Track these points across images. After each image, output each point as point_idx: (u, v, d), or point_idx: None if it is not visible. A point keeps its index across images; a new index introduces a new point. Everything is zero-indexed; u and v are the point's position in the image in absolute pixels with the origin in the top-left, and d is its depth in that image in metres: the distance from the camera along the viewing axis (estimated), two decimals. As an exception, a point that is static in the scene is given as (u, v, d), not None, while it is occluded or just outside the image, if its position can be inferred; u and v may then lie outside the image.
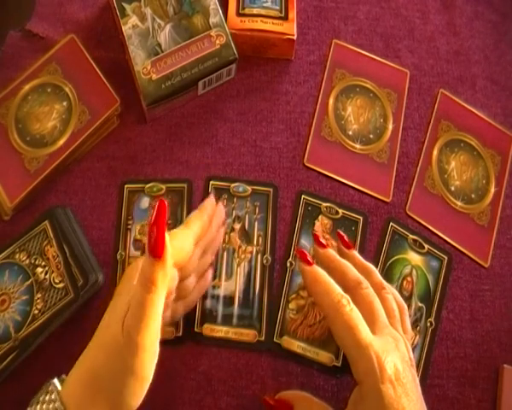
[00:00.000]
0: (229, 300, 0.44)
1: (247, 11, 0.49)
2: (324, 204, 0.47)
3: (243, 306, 0.44)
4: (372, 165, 0.49)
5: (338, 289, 0.35)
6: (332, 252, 0.38)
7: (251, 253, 0.45)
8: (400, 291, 0.45)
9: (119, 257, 0.45)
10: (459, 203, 0.49)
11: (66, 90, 0.47)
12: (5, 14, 0.52)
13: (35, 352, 0.41)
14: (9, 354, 0.39)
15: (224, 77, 0.49)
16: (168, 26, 0.47)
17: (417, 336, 0.44)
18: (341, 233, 0.41)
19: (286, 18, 0.49)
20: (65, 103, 0.47)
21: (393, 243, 0.47)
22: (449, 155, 0.51)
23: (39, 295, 0.40)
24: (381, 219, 0.48)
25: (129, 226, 0.45)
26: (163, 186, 0.47)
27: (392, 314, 0.36)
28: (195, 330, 0.43)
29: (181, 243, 0.35)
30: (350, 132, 0.50)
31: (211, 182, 0.47)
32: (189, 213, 0.45)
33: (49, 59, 0.48)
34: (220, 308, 0.43)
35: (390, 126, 0.51)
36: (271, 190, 0.47)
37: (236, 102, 0.50)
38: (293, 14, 0.49)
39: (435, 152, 0.50)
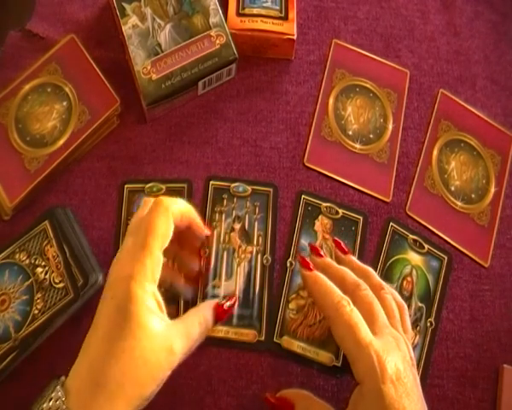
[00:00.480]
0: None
1: (247, 11, 0.49)
2: (324, 204, 0.47)
3: (243, 306, 0.44)
4: (372, 165, 0.49)
5: (338, 291, 0.35)
6: (329, 260, 0.39)
7: (251, 253, 0.45)
8: (400, 291, 0.45)
9: (119, 257, 0.45)
10: (459, 203, 0.49)
11: (66, 90, 0.47)
12: (5, 14, 0.52)
13: (35, 352, 0.41)
14: (9, 354, 0.39)
15: (224, 77, 0.49)
16: (168, 26, 0.47)
17: (417, 336, 0.44)
18: (337, 239, 0.42)
19: (286, 18, 0.49)
20: (65, 103, 0.47)
21: (393, 243, 0.47)
22: (449, 154, 0.51)
23: (39, 295, 0.40)
24: (381, 219, 0.48)
25: (129, 226, 0.45)
26: (163, 186, 0.47)
27: (392, 314, 0.36)
28: (195, 330, 0.43)
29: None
30: (350, 132, 0.50)
31: (211, 182, 0.47)
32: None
33: (49, 59, 0.48)
34: (220, 308, 0.44)
35: (390, 126, 0.51)
36: (271, 190, 0.47)
37: (236, 102, 0.50)
38: (293, 14, 0.49)
39: (435, 152, 0.50)
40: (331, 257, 0.44)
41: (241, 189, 0.47)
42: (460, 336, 0.45)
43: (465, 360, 0.45)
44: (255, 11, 0.49)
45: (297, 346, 0.43)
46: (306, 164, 0.49)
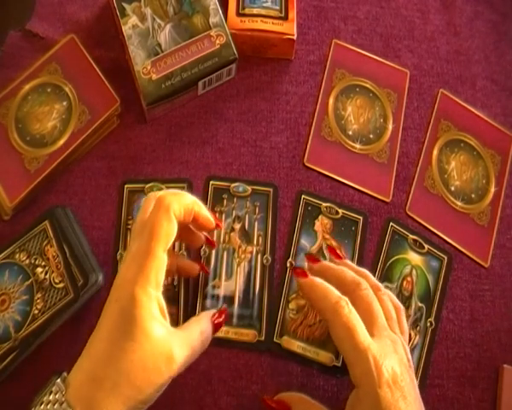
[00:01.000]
0: (229, 300, 0.44)
1: (247, 11, 0.49)
2: (324, 204, 0.47)
3: (243, 306, 0.44)
4: (372, 165, 0.49)
5: (336, 292, 0.35)
6: (326, 262, 0.40)
7: (251, 253, 0.45)
8: (400, 291, 0.45)
9: (119, 257, 0.45)
10: (459, 203, 0.49)
11: (66, 90, 0.47)
12: (5, 14, 0.52)
13: (35, 352, 0.41)
14: (9, 354, 0.39)
15: (224, 77, 0.49)
16: (168, 26, 0.47)
17: (417, 336, 0.44)
18: (331, 247, 0.44)
19: (286, 18, 0.49)
20: (65, 103, 0.47)
21: (393, 243, 0.47)
22: (449, 154, 0.51)
23: (39, 295, 0.40)
24: (381, 219, 0.48)
25: (129, 226, 0.45)
26: (163, 186, 0.47)
27: (389, 315, 0.36)
28: (195, 330, 0.43)
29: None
30: (350, 132, 0.50)
31: (211, 182, 0.47)
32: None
33: (49, 59, 0.48)
34: (220, 308, 0.44)
35: (390, 126, 0.51)
36: (271, 189, 0.47)
37: (236, 102, 0.50)
38: (293, 14, 0.49)
39: (435, 152, 0.50)
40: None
41: (241, 189, 0.47)
42: (460, 336, 0.45)
43: (465, 360, 0.45)
44: (255, 11, 0.49)
45: (297, 346, 0.43)
46: (306, 164, 0.49)
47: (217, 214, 0.46)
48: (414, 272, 0.46)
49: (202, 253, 0.45)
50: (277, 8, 0.50)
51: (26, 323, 0.40)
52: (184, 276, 0.44)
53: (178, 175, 0.47)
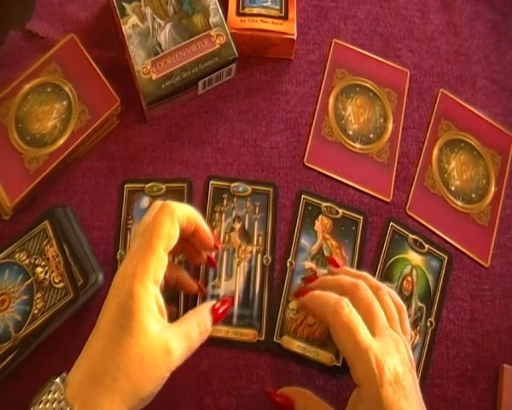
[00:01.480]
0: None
1: (247, 11, 0.49)
2: (324, 204, 0.47)
3: (243, 306, 0.44)
4: (372, 165, 0.49)
5: (335, 295, 0.36)
6: (323, 277, 0.41)
7: (251, 253, 0.45)
8: (400, 291, 0.45)
9: (118, 257, 0.45)
10: (459, 203, 0.49)
11: (66, 89, 0.47)
12: (5, 14, 0.52)
13: (35, 352, 0.41)
14: (9, 354, 0.39)
15: (224, 77, 0.49)
16: (168, 26, 0.47)
17: (417, 336, 0.44)
18: (330, 257, 0.45)
19: (286, 17, 0.49)
20: (65, 103, 0.47)
21: (393, 242, 0.47)
22: (449, 154, 0.51)
23: (39, 295, 0.40)
24: (381, 219, 0.48)
25: (129, 226, 0.45)
26: (163, 186, 0.47)
27: (391, 315, 0.36)
28: (195, 329, 0.43)
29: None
30: (350, 132, 0.50)
31: (211, 182, 0.47)
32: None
33: (49, 59, 0.48)
34: (220, 308, 0.43)
35: (390, 126, 0.51)
36: (271, 189, 0.47)
37: (236, 102, 0.50)
38: (293, 14, 0.49)
39: (435, 152, 0.50)
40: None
41: (241, 189, 0.47)
42: (460, 336, 0.45)
43: (465, 360, 0.45)
44: (255, 11, 0.49)
45: (297, 346, 0.43)
46: (306, 164, 0.49)
47: (217, 215, 0.46)
48: (414, 271, 0.46)
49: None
50: (277, 7, 0.50)
51: (26, 323, 0.40)
52: (182, 290, 0.43)
53: (178, 175, 0.47)
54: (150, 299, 0.31)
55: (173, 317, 0.40)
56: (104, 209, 0.46)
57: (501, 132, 0.52)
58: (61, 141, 0.45)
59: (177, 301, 0.44)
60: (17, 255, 0.42)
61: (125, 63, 0.48)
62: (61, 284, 0.41)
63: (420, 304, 0.45)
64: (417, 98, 0.52)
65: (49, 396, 0.30)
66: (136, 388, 0.30)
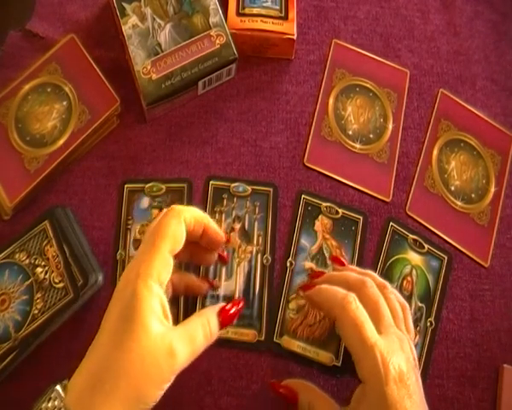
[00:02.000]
0: (229, 300, 0.44)
1: (247, 11, 0.49)
2: (324, 204, 0.47)
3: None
4: (372, 165, 0.49)
5: (343, 290, 0.35)
6: (329, 272, 0.41)
7: (251, 253, 0.45)
8: (400, 291, 0.45)
9: (118, 257, 0.45)
10: (459, 203, 0.49)
11: (66, 89, 0.47)
12: (5, 14, 0.52)
13: (35, 352, 0.41)
14: (9, 354, 0.39)
15: (224, 77, 0.49)
16: (168, 26, 0.47)
17: (417, 336, 0.44)
18: (334, 255, 0.45)
19: (286, 18, 0.49)
20: (65, 103, 0.47)
21: (393, 242, 0.47)
22: (449, 154, 0.51)
23: (39, 295, 0.40)
24: (381, 219, 0.48)
25: (129, 226, 0.45)
26: (163, 186, 0.47)
27: (396, 313, 0.36)
28: (195, 330, 0.43)
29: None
30: (350, 132, 0.50)
31: (211, 182, 0.47)
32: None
33: (49, 59, 0.48)
34: (220, 308, 0.43)
35: (390, 126, 0.51)
36: (271, 189, 0.47)
37: (236, 102, 0.50)
38: (293, 14, 0.49)
39: (435, 152, 0.50)
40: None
41: (241, 189, 0.47)
42: (460, 336, 0.45)
43: (465, 360, 0.45)
44: (255, 11, 0.49)
45: (297, 346, 0.43)
46: (306, 164, 0.49)
47: (217, 215, 0.46)
48: (414, 271, 0.46)
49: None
50: (277, 7, 0.50)
51: (26, 323, 0.40)
52: (192, 295, 0.43)
53: (178, 175, 0.47)
54: (154, 299, 0.31)
55: (173, 318, 0.41)
56: (104, 209, 0.46)
57: (501, 132, 0.52)
58: (61, 141, 0.46)
59: (178, 302, 0.44)
60: (17, 255, 0.42)
61: (125, 63, 0.48)
62: (61, 284, 0.41)
63: (420, 304, 0.45)
64: (417, 98, 0.52)
65: (49, 404, 0.29)
66: (138, 392, 0.29)
